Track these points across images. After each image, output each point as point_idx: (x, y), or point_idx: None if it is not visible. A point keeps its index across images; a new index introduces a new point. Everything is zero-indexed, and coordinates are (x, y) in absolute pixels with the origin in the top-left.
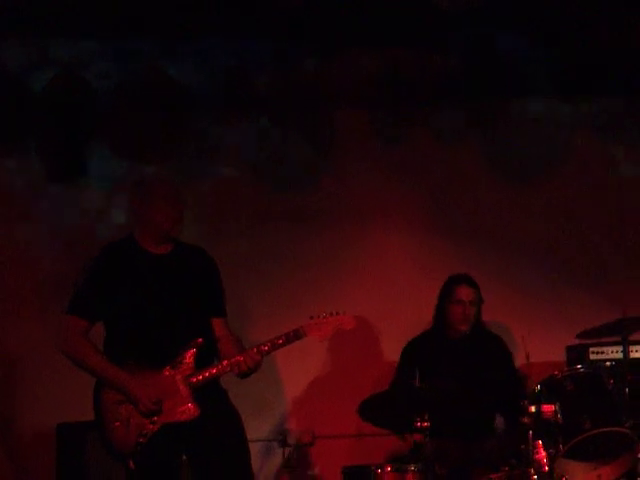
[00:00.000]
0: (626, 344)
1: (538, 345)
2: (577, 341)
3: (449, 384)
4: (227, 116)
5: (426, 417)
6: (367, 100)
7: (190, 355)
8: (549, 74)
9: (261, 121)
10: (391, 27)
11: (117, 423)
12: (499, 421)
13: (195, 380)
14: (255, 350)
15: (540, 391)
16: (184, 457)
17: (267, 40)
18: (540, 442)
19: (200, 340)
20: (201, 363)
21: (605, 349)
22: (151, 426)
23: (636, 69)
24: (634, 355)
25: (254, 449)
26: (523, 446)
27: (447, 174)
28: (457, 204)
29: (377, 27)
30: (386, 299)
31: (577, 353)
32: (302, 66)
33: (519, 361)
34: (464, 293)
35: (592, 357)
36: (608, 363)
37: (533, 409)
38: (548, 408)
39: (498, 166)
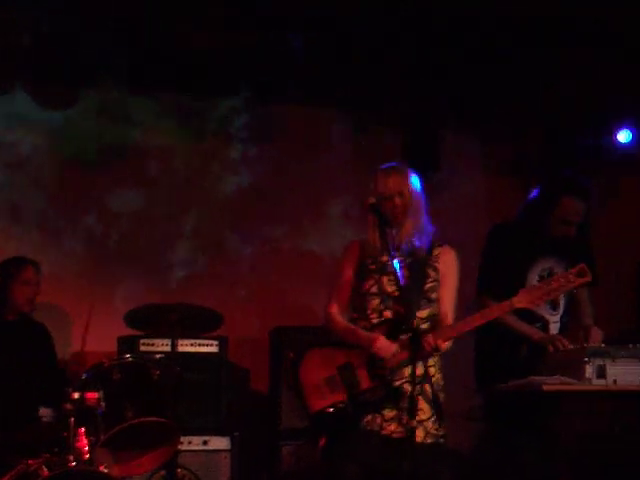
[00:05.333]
0: (175, 337)
1: (93, 335)
2: (129, 332)
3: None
4: None
5: None
6: None
7: None
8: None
9: None
10: None
11: None
12: (46, 410)
13: None
14: None
15: (86, 379)
16: None
17: None
18: (83, 430)
19: None
20: None
21: (155, 341)
22: None
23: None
24: (182, 349)
25: None
26: (65, 433)
27: None
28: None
29: None
30: None
31: (128, 344)
32: None
33: (73, 349)
34: (30, 273)
35: (142, 349)
36: (158, 355)
37: (76, 396)
38: (92, 395)
39: None
